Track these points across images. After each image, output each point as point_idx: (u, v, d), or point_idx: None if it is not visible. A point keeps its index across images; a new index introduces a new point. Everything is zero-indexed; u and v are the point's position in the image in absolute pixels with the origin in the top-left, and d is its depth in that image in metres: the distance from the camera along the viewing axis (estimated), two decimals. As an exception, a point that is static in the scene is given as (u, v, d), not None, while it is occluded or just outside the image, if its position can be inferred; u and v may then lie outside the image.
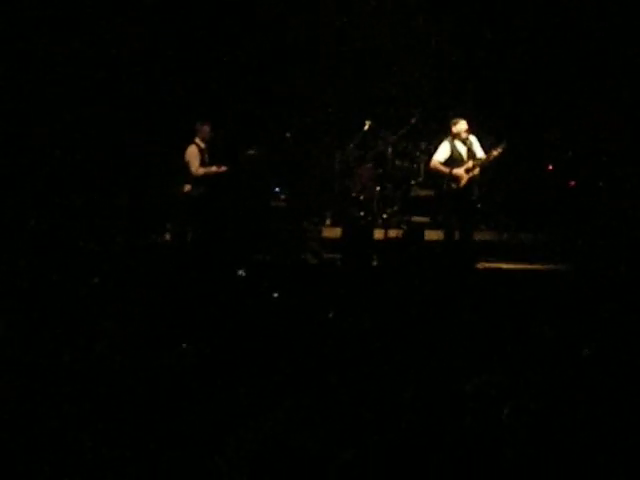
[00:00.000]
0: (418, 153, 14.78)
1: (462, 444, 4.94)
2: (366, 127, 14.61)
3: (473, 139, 12.34)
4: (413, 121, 14.76)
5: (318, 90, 15.62)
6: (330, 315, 8.04)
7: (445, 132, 12.62)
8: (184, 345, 6.77)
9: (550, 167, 14.66)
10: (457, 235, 12.28)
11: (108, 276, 9.47)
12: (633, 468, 4.67)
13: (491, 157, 12.13)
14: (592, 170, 14.41)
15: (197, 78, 14.82)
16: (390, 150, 14.70)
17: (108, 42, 14.08)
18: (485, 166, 12.20)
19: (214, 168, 12.73)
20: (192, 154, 12.65)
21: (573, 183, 14.46)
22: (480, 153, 12.24)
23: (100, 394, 5.64)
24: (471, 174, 12.10)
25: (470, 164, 12.11)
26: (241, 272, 10.11)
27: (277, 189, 14.13)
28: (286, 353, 6.66)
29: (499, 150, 12.07)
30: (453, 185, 12.13)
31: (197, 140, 12.73)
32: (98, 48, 14.00)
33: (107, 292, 8.77)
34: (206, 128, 12.80)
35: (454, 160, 12.19)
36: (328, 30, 15.82)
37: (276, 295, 8.81)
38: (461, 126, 12.22)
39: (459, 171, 12.10)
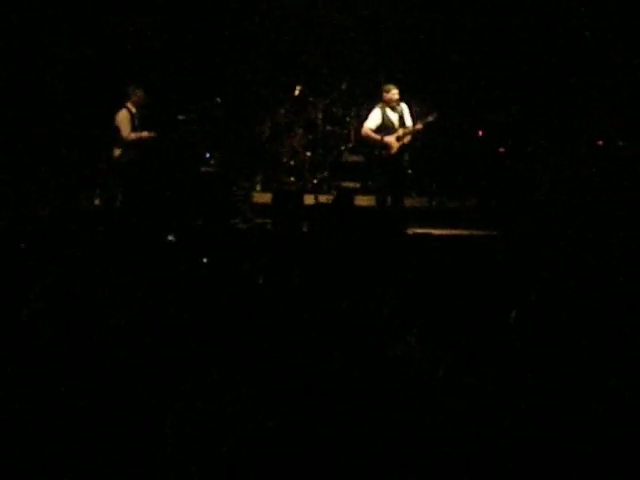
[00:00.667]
0: (348, 119, 14.79)
1: (392, 409, 4.99)
2: (296, 92, 14.58)
3: (404, 107, 12.44)
4: (343, 87, 14.76)
5: (248, 55, 15.53)
6: (260, 280, 8.04)
7: (375, 98, 12.69)
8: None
9: (480, 133, 14.76)
10: (388, 201, 12.39)
11: (35, 242, 9.36)
12: (556, 429, 4.76)
13: (422, 126, 12.24)
14: (521, 137, 14.55)
15: (127, 43, 14.64)
16: (320, 115, 14.68)
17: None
18: (416, 134, 12.31)
19: (145, 133, 12.61)
20: (123, 119, 12.50)
21: (502, 150, 14.59)
22: (410, 121, 12.35)
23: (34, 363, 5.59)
24: (402, 142, 12.20)
25: (401, 132, 12.21)
26: (171, 237, 10.05)
27: (207, 154, 14.05)
28: (215, 319, 6.65)
29: (430, 119, 12.20)
30: (384, 152, 12.23)
31: (128, 104, 12.58)
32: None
33: (35, 258, 8.67)
34: (140, 93, 12.65)
35: (385, 127, 12.28)
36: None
37: (205, 260, 8.79)
38: (393, 93, 12.30)
39: (390, 139, 12.20)
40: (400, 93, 12.41)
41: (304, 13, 15.73)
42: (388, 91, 12.33)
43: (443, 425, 4.75)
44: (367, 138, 12.50)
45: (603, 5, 14.44)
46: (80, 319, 6.50)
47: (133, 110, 12.57)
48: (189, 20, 15.08)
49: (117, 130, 12.44)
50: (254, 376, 5.45)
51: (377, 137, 12.25)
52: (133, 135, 12.47)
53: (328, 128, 14.76)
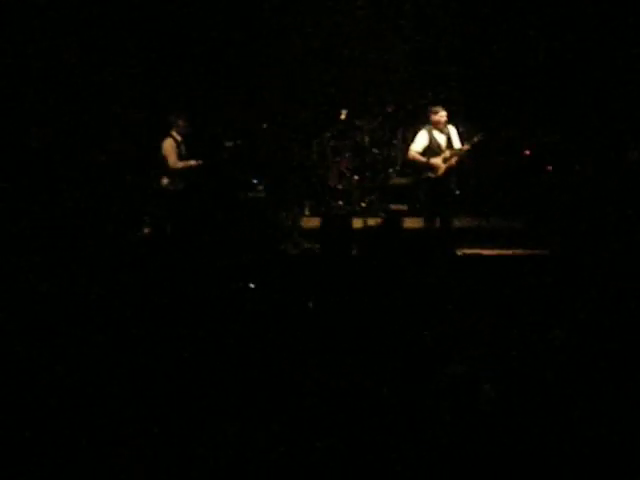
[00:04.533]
0: (395, 141, 14.78)
1: (439, 432, 4.97)
2: (342, 116, 14.60)
3: (451, 129, 12.40)
4: (389, 109, 14.76)
5: (294, 80, 15.59)
6: (310, 305, 8.05)
7: (421, 120, 12.68)
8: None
9: (527, 152, 14.68)
10: (437, 222, 12.35)
11: (89, 271, 9.45)
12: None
13: (469, 146, 12.21)
14: (569, 155, 14.46)
15: (173, 71, 14.76)
16: (367, 139, 14.69)
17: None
18: (463, 155, 12.27)
19: (192, 162, 12.68)
20: (169, 147, 12.58)
21: (550, 168, 14.50)
22: (457, 143, 12.31)
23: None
24: (449, 164, 12.17)
25: (448, 154, 12.18)
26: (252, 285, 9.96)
27: (255, 180, 14.09)
28: (267, 344, 6.66)
29: (476, 140, 12.16)
30: (430, 174, 12.20)
31: (173, 133, 12.66)
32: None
33: (90, 288, 8.74)
34: (182, 121, 12.73)
35: (432, 150, 12.24)
36: (301, 20, 15.75)
37: (253, 285, 8.81)
38: (441, 115, 12.27)
39: (436, 161, 12.16)
40: (447, 115, 12.38)
41: (350, 37, 15.75)
42: (436, 113, 12.28)
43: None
44: (413, 160, 12.47)
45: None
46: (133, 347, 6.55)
47: (178, 138, 12.65)
48: (234, 48, 15.16)
49: (164, 159, 12.52)
50: (305, 397, 5.46)
51: (423, 159, 12.22)
52: (180, 164, 12.55)
53: (375, 151, 14.76)
